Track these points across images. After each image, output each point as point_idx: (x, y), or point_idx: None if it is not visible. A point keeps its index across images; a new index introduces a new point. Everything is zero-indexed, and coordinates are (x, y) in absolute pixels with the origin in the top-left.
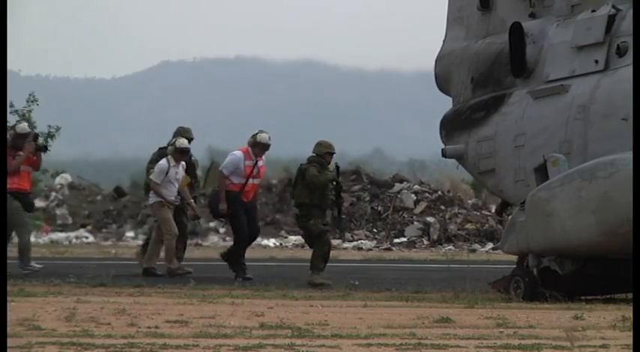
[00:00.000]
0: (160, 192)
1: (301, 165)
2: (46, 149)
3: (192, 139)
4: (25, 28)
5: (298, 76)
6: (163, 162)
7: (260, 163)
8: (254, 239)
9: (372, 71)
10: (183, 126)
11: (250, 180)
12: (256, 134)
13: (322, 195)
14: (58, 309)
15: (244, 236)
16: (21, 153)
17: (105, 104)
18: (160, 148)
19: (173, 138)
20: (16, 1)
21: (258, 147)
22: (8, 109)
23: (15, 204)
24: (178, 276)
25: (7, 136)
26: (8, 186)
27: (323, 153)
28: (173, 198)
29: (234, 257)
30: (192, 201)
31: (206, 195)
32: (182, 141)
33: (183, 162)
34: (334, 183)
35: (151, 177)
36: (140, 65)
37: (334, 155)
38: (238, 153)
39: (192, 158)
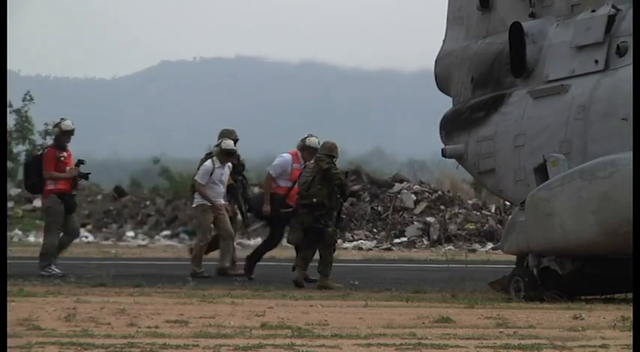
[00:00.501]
0: (204, 192)
1: (318, 162)
2: (87, 177)
3: (237, 140)
4: (25, 28)
5: (298, 76)
6: (208, 163)
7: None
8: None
9: (372, 71)
10: (227, 129)
11: (297, 185)
12: (306, 138)
13: (337, 198)
14: (58, 309)
15: (276, 242)
16: (65, 153)
17: (105, 104)
18: (206, 154)
19: (218, 139)
20: (16, 1)
21: (307, 151)
22: (8, 109)
23: (59, 207)
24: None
25: (52, 134)
26: (54, 187)
27: (331, 153)
28: (220, 200)
29: (257, 256)
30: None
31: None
32: (228, 143)
33: (229, 164)
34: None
35: (196, 177)
36: (140, 65)
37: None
38: (287, 156)
39: (241, 158)
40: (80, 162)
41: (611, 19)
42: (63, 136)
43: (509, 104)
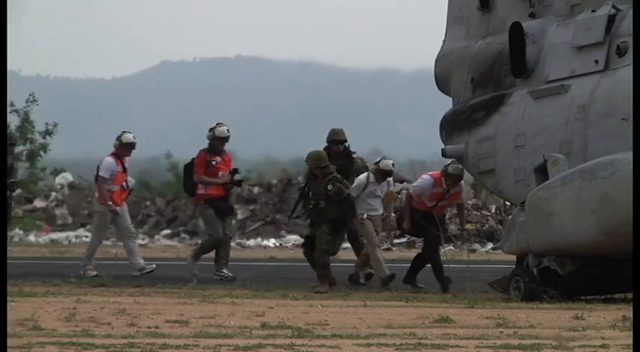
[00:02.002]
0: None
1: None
2: (240, 184)
3: (345, 141)
4: (25, 28)
5: (298, 76)
6: (362, 177)
7: (454, 190)
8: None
9: (372, 71)
10: (335, 128)
11: (440, 203)
12: (448, 165)
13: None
14: (58, 309)
15: (435, 248)
16: (218, 158)
17: (105, 104)
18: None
19: (328, 140)
20: (16, 1)
21: (449, 179)
22: (8, 109)
23: (209, 212)
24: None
25: (207, 138)
26: (204, 191)
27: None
28: (368, 213)
29: (437, 266)
30: (392, 214)
31: None
32: (387, 163)
33: (390, 179)
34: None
35: (349, 190)
36: (140, 65)
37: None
38: (429, 179)
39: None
40: (235, 171)
41: (611, 19)
42: (216, 141)
43: (509, 104)
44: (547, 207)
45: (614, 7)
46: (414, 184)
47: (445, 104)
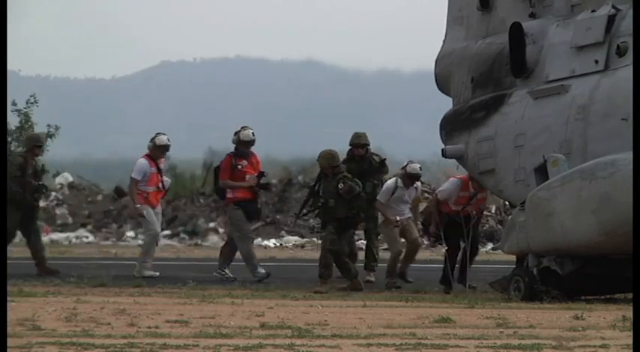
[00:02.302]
0: (383, 211)
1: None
2: (267, 188)
3: (366, 145)
4: (25, 28)
5: (298, 76)
6: (391, 183)
7: (480, 195)
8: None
9: (372, 71)
10: (357, 132)
11: (467, 207)
12: (406, 165)
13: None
14: (58, 309)
15: (454, 256)
16: (244, 161)
17: (105, 104)
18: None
19: (352, 142)
20: (16, 1)
21: (477, 182)
22: (10, 108)
23: (237, 212)
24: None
25: (233, 142)
26: (232, 195)
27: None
28: (397, 217)
29: (448, 270)
30: (418, 222)
31: (205, 194)
32: (414, 167)
33: (418, 183)
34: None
35: (378, 196)
36: (140, 65)
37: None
38: (456, 182)
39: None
40: (262, 174)
41: (611, 19)
42: (241, 145)
43: (509, 104)
44: (547, 207)
45: (614, 7)
46: (441, 188)
47: (445, 104)
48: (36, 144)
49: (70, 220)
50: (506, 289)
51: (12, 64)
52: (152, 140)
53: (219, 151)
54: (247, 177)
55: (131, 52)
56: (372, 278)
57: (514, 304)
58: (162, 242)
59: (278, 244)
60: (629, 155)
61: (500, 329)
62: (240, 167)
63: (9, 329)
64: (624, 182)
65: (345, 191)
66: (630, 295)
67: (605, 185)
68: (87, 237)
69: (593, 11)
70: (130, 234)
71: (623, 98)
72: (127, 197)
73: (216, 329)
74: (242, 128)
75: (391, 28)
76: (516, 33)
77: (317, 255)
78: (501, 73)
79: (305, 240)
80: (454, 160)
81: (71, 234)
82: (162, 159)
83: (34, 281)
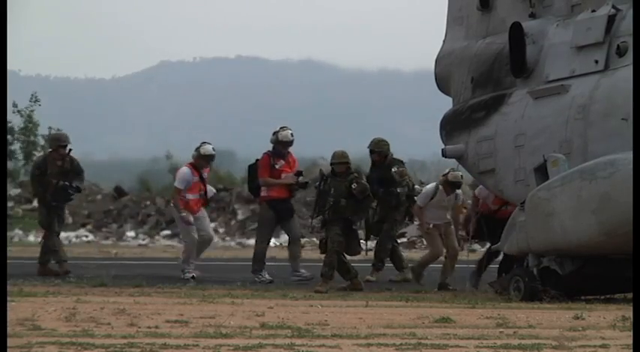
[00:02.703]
0: (419, 214)
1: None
2: (305, 186)
3: (381, 152)
4: (25, 28)
5: (298, 76)
6: (430, 187)
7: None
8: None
9: (372, 71)
10: (375, 137)
11: (504, 207)
12: (447, 173)
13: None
14: (58, 309)
15: (490, 256)
16: (282, 161)
17: (105, 104)
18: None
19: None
20: (16, 1)
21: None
22: (11, 109)
23: (268, 214)
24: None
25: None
26: (266, 194)
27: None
28: (434, 222)
29: (482, 268)
30: (459, 231)
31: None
32: (455, 175)
33: (459, 191)
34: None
35: (416, 199)
36: (140, 65)
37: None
38: (484, 193)
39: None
40: (299, 173)
41: (611, 19)
42: (279, 145)
43: (509, 104)
44: (547, 207)
45: (614, 7)
46: (481, 186)
47: (445, 104)
48: (60, 145)
49: (70, 220)
50: (506, 289)
51: (12, 64)
52: (197, 149)
53: (219, 151)
54: (283, 175)
55: (131, 52)
56: (373, 278)
57: (514, 304)
58: (163, 242)
59: (278, 244)
60: (629, 155)
61: (500, 329)
62: (277, 166)
63: (9, 329)
64: (624, 182)
65: (359, 191)
66: (630, 295)
67: (605, 185)
68: (87, 237)
69: (593, 11)
70: (130, 233)
71: (623, 98)
72: (127, 196)
73: (216, 329)
74: (281, 128)
75: (391, 28)
76: (516, 33)
77: (317, 255)
78: (501, 72)
79: (305, 240)
80: (454, 160)
81: (71, 234)
82: (207, 169)
83: (34, 281)
